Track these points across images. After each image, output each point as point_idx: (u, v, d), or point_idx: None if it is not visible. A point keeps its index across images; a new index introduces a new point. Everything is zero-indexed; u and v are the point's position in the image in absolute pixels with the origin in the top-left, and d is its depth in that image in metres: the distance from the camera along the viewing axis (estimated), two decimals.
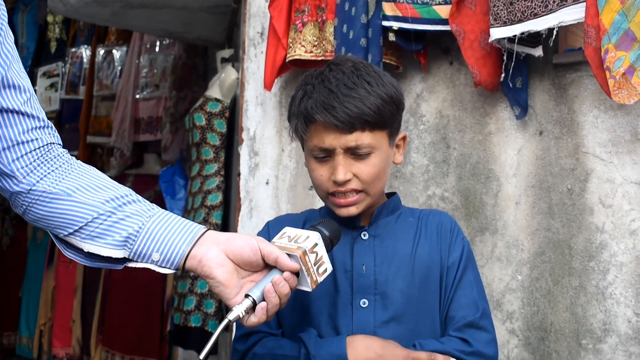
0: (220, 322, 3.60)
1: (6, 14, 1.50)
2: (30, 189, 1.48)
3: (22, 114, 1.47)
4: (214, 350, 3.57)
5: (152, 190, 4.65)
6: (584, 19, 2.02)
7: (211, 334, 3.42)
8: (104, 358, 4.74)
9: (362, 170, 1.68)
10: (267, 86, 2.82)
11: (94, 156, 5.14)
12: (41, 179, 1.49)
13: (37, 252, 5.25)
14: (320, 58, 2.67)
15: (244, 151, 3.06)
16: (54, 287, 5.07)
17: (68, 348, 4.95)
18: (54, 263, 5.07)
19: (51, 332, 5.03)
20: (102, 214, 1.47)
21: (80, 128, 5.12)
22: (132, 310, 4.61)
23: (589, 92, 2.26)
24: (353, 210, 1.72)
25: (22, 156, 1.47)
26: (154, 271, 1.50)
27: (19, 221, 5.56)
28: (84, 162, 1.60)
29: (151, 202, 1.55)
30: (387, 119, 1.69)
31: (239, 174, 3.07)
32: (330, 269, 1.54)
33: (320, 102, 1.66)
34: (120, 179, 4.75)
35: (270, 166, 2.98)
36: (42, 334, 5.10)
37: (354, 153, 1.67)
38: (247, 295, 1.46)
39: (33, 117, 1.50)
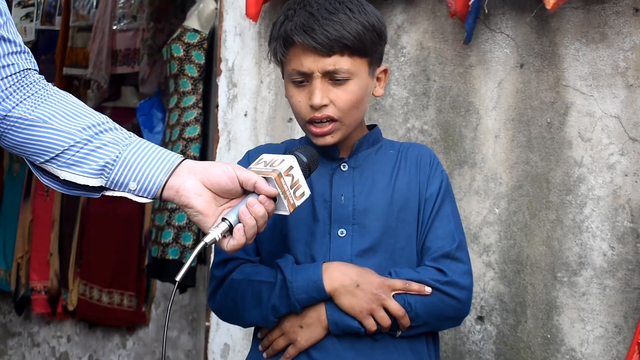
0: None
1: None
2: (5, 115, 1.45)
3: None
4: (191, 282, 3.58)
5: (129, 123, 4.59)
6: None
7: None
8: (82, 291, 4.74)
9: (339, 97, 1.68)
10: (253, 16, 2.74)
11: (70, 88, 5.04)
12: (17, 104, 1.46)
13: (14, 185, 5.20)
14: None
15: (222, 82, 3.03)
16: (31, 220, 5.04)
17: (46, 281, 4.94)
18: (30, 196, 5.03)
19: (29, 265, 5.01)
20: (79, 142, 1.45)
21: (56, 59, 5.02)
22: (110, 243, 4.59)
23: (571, 25, 2.24)
24: (329, 140, 1.72)
25: None
26: (131, 204, 1.49)
27: None
28: None
29: None
30: (367, 46, 1.70)
31: (217, 106, 3.04)
32: (308, 192, 1.55)
33: (299, 24, 1.67)
34: (97, 111, 4.67)
35: (249, 98, 2.95)
36: (20, 267, 5.08)
37: (332, 78, 1.68)
38: (223, 219, 1.46)
39: (9, 41, 1.46)
